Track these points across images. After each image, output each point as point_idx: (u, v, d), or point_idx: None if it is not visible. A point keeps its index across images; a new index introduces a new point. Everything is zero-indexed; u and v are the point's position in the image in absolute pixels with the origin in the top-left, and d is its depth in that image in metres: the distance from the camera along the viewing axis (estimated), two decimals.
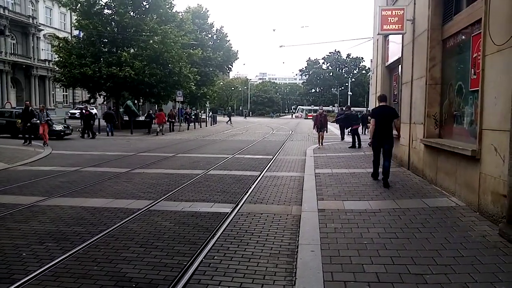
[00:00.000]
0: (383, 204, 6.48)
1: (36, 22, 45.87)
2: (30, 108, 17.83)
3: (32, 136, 17.25)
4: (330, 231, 5.13)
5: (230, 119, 46.69)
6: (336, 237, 4.93)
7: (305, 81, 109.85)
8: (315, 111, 17.65)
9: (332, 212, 6.03)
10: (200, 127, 37.20)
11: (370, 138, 8.15)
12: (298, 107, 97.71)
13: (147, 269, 4.17)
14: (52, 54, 43.94)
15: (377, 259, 4.19)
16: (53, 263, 4.28)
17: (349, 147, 15.46)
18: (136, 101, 34.68)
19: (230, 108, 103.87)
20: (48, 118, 17.95)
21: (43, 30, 47.28)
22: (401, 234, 5.00)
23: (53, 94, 49.99)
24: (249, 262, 4.38)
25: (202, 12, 49.93)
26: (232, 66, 55.59)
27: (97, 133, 24.11)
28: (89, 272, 4.08)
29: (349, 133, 17.19)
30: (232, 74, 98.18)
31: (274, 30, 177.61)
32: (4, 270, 4.10)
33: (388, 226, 5.31)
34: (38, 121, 17.32)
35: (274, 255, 4.58)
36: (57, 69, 32.19)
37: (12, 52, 42.81)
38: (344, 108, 19.88)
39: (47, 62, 46.97)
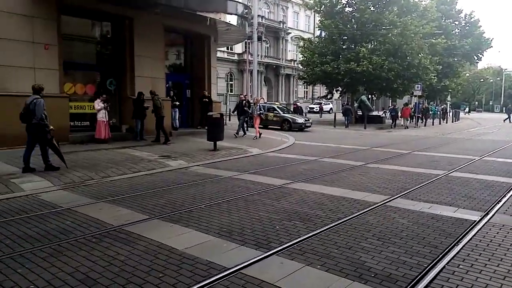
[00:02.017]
0: None
1: (285, 27, 51.95)
2: (245, 101, 17.68)
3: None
4: None
5: (510, 117, 38.42)
6: None
7: None
8: None
9: None
10: (440, 123, 34.25)
11: None
12: None
13: (385, 263, 4.18)
14: (296, 54, 48.95)
15: None
16: (300, 239, 4.82)
17: None
18: (370, 96, 34.83)
19: (477, 102, 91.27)
20: (261, 111, 17.48)
21: (291, 33, 53.10)
22: None
23: (295, 90, 55.73)
24: (503, 280, 3.80)
25: None
26: (482, 55, 48.42)
27: (333, 127, 25.78)
28: (330, 253, 4.41)
29: None
30: (481, 64, 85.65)
31: None
32: (263, 237, 4.89)
33: None
34: (252, 113, 17.23)
35: None
36: (301, 67, 35.77)
37: (266, 54, 49.92)
38: None
39: (292, 62, 52.64)
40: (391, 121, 29.23)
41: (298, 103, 35.17)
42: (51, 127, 8.38)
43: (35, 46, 11.41)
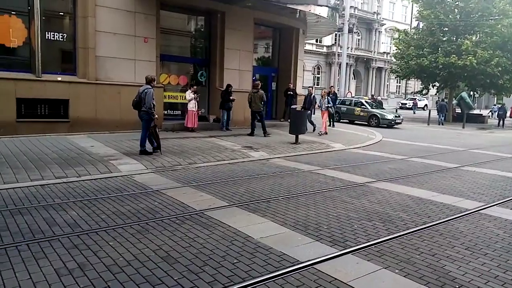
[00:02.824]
0: None
1: (380, 18, 49.71)
2: (313, 95, 16.25)
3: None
4: None
5: None
6: None
7: None
8: None
9: None
10: None
11: None
12: None
13: (472, 274, 3.82)
14: (390, 47, 46.57)
15: None
16: (379, 240, 4.61)
17: None
18: (472, 93, 31.84)
19: None
20: (329, 105, 15.81)
21: (385, 24, 50.68)
22: None
23: (387, 84, 53.25)
24: None
25: None
26: None
27: (427, 125, 24.17)
28: (411, 258, 4.15)
29: None
30: None
31: None
32: (339, 235, 4.77)
33: None
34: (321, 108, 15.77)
35: None
36: (394, 60, 33.96)
37: (356, 47, 48.30)
38: None
39: (385, 55, 50.28)
40: (498, 120, 26.58)
41: (375, 97, 33.38)
42: (156, 116, 9.21)
43: (136, 39, 12.39)
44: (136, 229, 4.71)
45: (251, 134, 13.26)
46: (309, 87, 16.59)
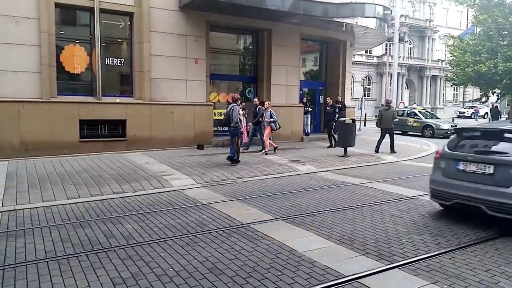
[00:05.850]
0: None
1: (433, 25, 47.95)
2: (259, 107, 12.93)
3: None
4: None
5: None
6: None
7: None
8: None
9: None
10: None
11: None
12: None
13: None
14: (445, 54, 44.66)
15: None
16: (428, 255, 4.48)
17: None
18: None
19: None
20: (272, 119, 12.28)
21: (438, 31, 48.77)
22: None
23: (443, 93, 50.92)
24: None
25: None
26: None
27: None
28: (462, 274, 3.99)
29: None
30: None
31: None
32: (386, 249, 4.68)
33: None
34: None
35: None
36: (449, 68, 32.57)
37: (408, 55, 46.80)
38: None
39: (440, 62, 48.25)
40: None
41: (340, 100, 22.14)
42: (242, 129, 10.37)
43: (187, 61, 12.98)
44: (185, 241, 4.94)
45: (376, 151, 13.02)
46: (255, 98, 13.94)
